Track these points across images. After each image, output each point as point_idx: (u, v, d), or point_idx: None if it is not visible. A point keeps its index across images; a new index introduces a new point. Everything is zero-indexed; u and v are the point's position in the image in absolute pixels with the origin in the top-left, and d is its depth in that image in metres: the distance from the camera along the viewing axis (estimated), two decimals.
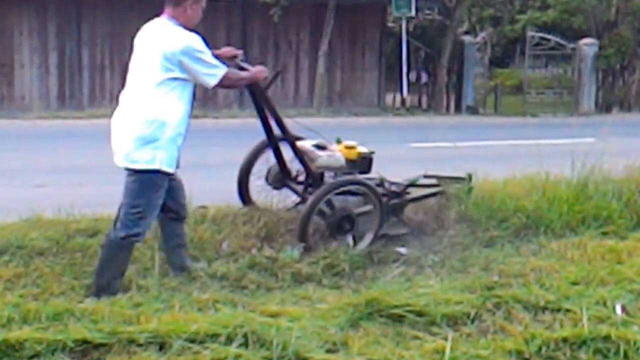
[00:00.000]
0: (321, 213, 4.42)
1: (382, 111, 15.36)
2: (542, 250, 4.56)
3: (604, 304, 3.49)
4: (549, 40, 17.02)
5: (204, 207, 4.90)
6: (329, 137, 4.86)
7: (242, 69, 4.19)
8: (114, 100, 15.08)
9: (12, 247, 4.13)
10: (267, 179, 4.81)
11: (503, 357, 3.02)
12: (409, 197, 4.86)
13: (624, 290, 3.71)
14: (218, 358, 2.87)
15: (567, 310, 3.41)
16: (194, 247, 4.35)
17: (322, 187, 4.46)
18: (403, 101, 15.95)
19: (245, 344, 2.95)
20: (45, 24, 13.86)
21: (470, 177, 5.08)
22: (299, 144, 4.59)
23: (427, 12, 17.21)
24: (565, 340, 3.10)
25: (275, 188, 4.84)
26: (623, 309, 3.45)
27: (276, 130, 4.55)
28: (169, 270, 4.01)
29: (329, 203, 4.42)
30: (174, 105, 3.71)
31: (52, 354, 2.88)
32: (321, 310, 3.44)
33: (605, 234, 4.85)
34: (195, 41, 3.69)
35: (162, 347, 2.95)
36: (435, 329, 3.24)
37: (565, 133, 7.09)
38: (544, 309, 3.46)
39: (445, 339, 3.12)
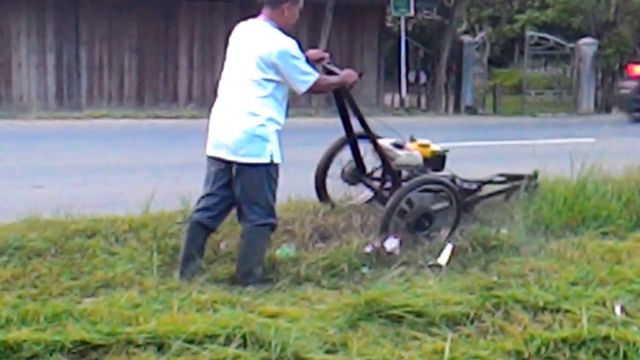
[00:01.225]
0: (401, 210, 4.51)
1: (381, 111, 15.34)
2: (542, 250, 4.56)
3: (604, 304, 3.48)
4: (548, 40, 17.03)
5: None
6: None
7: (329, 72, 4.32)
8: (112, 101, 15.07)
9: (10, 247, 4.11)
10: (342, 175, 4.91)
11: (502, 358, 3.02)
12: (480, 194, 5.03)
13: (624, 290, 3.70)
14: (217, 359, 2.87)
15: (567, 311, 3.40)
16: None
17: (404, 185, 4.58)
18: (402, 101, 15.95)
19: (244, 345, 2.94)
20: (43, 24, 13.85)
21: (536, 174, 5.24)
22: (380, 142, 4.74)
23: (426, 12, 17.22)
24: (564, 340, 3.09)
25: (350, 184, 4.97)
26: (622, 309, 3.45)
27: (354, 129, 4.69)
28: (180, 278, 3.97)
29: (408, 200, 4.52)
30: (275, 103, 3.88)
31: (51, 354, 2.87)
32: (320, 310, 3.43)
33: (604, 234, 4.85)
34: (291, 46, 3.82)
35: (160, 347, 2.94)
36: (434, 330, 3.24)
37: (564, 133, 7.10)
38: (544, 309, 3.45)
39: (445, 339, 3.11)
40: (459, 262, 4.34)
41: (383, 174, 4.87)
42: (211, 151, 4.02)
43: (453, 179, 4.89)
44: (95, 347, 2.94)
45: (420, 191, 4.60)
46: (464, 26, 20.22)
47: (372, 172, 4.92)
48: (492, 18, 22.01)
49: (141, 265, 4.03)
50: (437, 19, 17.44)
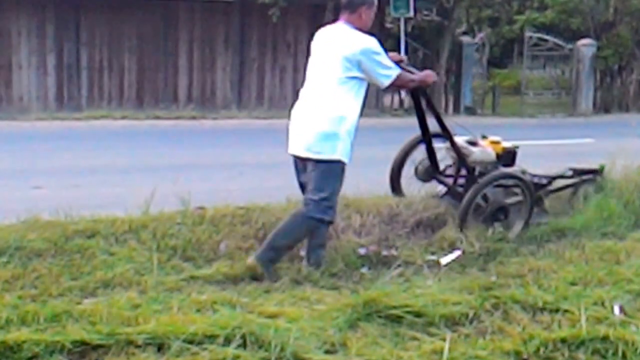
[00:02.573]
0: (477, 205, 4.72)
1: (380, 112, 15.36)
2: (540, 250, 4.57)
3: (602, 304, 3.49)
4: (547, 40, 17.04)
5: (202, 208, 4.90)
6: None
7: (408, 72, 4.45)
8: (112, 102, 15.06)
9: (10, 248, 4.11)
10: (416, 173, 5.12)
11: (501, 358, 3.02)
12: (550, 188, 5.23)
13: (622, 290, 3.71)
14: (216, 359, 2.87)
15: (566, 311, 3.41)
16: (191, 248, 4.35)
17: (480, 180, 4.79)
18: (401, 102, 15.96)
19: (243, 345, 2.94)
20: (43, 25, 13.85)
21: (602, 168, 5.42)
22: (457, 140, 4.93)
23: (425, 13, 17.22)
24: (563, 340, 3.09)
25: (423, 181, 5.16)
26: (621, 309, 3.46)
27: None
28: (307, 263, 4.15)
29: (483, 195, 4.74)
30: (352, 102, 4.04)
31: (50, 355, 2.87)
32: (319, 311, 3.43)
33: (604, 234, 4.86)
34: (373, 43, 4.05)
35: (160, 348, 2.94)
36: (433, 330, 3.24)
37: (563, 133, 7.12)
38: (542, 309, 3.46)
39: (444, 339, 3.11)
40: (458, 262, 4.35)
41: (457, 171, 5.08)
42: (290, 150, 4.25)
43: (524, 173, 5.07)
44: (95, 348, 2.94)
45: (495, 186, 4.81)
46: (463, 27, 20.21)
47: (445, 170, 5.12)
48: (492, 19, 22.00)
49: (141, 265, 4.03)
50: (436, 19, 17.44)
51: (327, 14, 14.62)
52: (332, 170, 4.05)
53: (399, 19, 15.71)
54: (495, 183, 4.82)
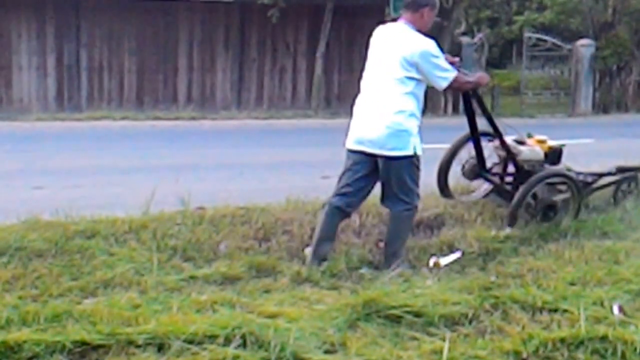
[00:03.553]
0: (526, 203, 4.86)
1: None
2: (540, 250, 4.57)
3: (602, 304, 3.50)
4: (546, 41, 17.04)
5: (201, 208, 4.91)
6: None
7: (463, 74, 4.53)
8: (113, 102, 15.03)
9: (10, 248, 4.11)
10: (462, 172, 5.23)
11: (501, 358, 3.02)
12: (595, 185, 5.34)
13: (622, 290, 3.72)
14: (216, 359, 2.87)
15: (565, 311, 3.41)
16: (191, 248, 4.35)
17: (531, 179, 4.90)
18: None
19: (243, 345, 2.95)
20: (43, 26, 13.85)
21: None
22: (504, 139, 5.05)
23: None
24: (562, 340, 3.10)
25: (469, 179, 5.29)
26: (620, 309, 3.46)
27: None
28: (312, 259, 4.21)
29: (533, 193, 4.86)
30: (415, 100, 4.15)
31: (51, 355, 2.88)
32: (319, 311, 3.44)
33: (603, 234, 4.87)
34: (432, 46, 4.13)
35: (160, 348, 2.95)
36: (433, 330, 3.25)
37: (562, 134, 7.12)
38: (542, 309, 3.46)
39: (443, 339, 3.12)
40: (457, 262, 4.35)
41: (504, 169, 5.20)
42: (353, 146, 4.28)
43: (569, 171, 5.19)
44: (96, 348, 2.94)
45: (544, 184, 4.93)
46: (463, 27, 20.21)
47: (492, 168, 5.22)
48: (491, 19, 22.01)
49: (141, 266, 4.03)
50: (435, 20, 17.44)
51: (327, 14, 14.65)
52: (410, 164, 4.17)
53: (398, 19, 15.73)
54: (546, 181, 4.93)
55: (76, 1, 13.85)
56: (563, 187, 5.03)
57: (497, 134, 4.99)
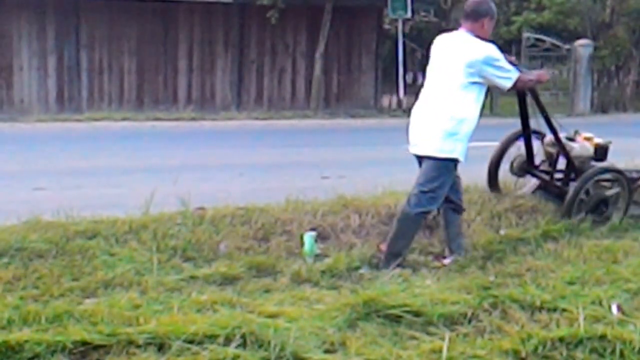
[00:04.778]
0: (579, 199, 5.00)
1: (379, 113, 15.39)
2: (539, 249, 4.59)
3: (600, 303, 3.51)
4: (544, 41, 17.06)
5: (202, 208, 4.92)
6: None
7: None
8: (113, 103, 15.08)
9: (11, 249, 4.12)
10: (511, 169, 5.36)
11: (500, 357, 3.03)
12: None
13: (620, 289, 3.73)
14: (217, 359, 2.88)
15: (564, 310, 3.42)
16: (191, 248, 4.36)
17: (584, 174, 5.04)
18: (399, 103, 15.97)
19: (243, 345, 2.96)
20: (44, 27, 13.86)
21: None
22: (552, 137, 5.18)
23: (423, 14, 17.26)
24: (561, 339, 3.11)
25: (518, 176, 5.43)
26: (619, 308, 3.47)
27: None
28: (450, 253, 4.40)
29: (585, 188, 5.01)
30: (473, 105, 4.28)
31: (52, 355, 2.89)
32: (319, 310, 3.45)
33: (602, 233, 4.88)
34: (493, 51, 4.30)
35: (161, 348, 2.96)
36: (432, 329, 3.26)
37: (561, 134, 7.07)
38: (540, 308, 3.47)
39: (443, 339, 3.13)
40: (456, 262, 4.37)
41: (554, 166, 5.32)
42: (412, 149, 4.44)
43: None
44: (96, 348, 2.95)
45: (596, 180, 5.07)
46: None
47: (540, 165, 5.35)
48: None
49: (141, 266, 4.04)
50: (434, 21, 17.48)
51: (326, 15, 14.67)
52: (446, 167, 4.28)
53: (397, 20, 15.74)
54: (598, 177, 5.05)
55: (76, 2, 13.86)
56: (612, 183, 5.14)
57: (552, 130, 5.09)
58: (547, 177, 5.34)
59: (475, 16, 4.35)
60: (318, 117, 14.11)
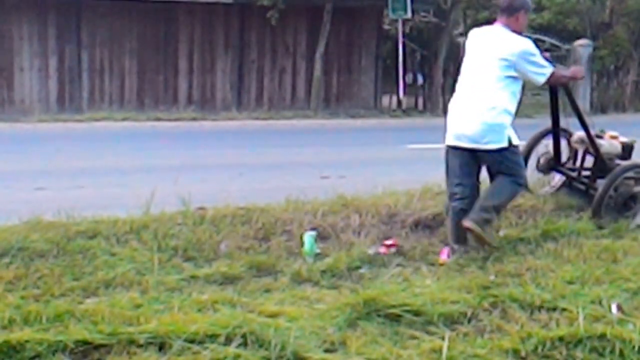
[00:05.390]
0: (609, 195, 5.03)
1: (379, 113, 15.40)
2: (539, 249, 4.59)
3: (600, 302, 3.52)
4: (543, 41, 17.03)
5: (202, 208, 4.93)
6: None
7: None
8: (114, 104, 15.11)
9: (12, 249, 4.13)
10: (537, 166, 5.39)
11: (500, 356, 3.04)
12: None
13: (620, 289, 3.74)
14: (217, 358, 2.89)
15: (563, 309, 3.44)
16: (192, 248, 4.37)
17: (614, 171, 5.09)
18: (399, 103, 15.99)
19: (244, 344, 2.97)
20: (45, 27, 13.87)
21: None
22: (580, 134, 5.25)
23: (423, 14, 17.24)
24: (561, 339, 3.12)
25: (543, 173, 5.47)
26: (619, 307, 3.48)
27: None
28: (453, 243, 4.45)
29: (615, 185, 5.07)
30: (511, 97, 4.38)
31: (53, 354, 2.90)
32: (319, 310, 3.46)
33: (602, 233, 4.89)
34: (529, 45, 4.36)
35: (161, 347, 2.97)
36: (432, 329, 3.27)
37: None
38: (540, 308, 3.49)
39: (443, 338, 3.14)
40: (456, 261, 4.37)
41: (581, 163, 5.40)
42: (452, 141, 4.48)
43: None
44: (97, 347, 2.96)
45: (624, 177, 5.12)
46: (461, 28, 20.23)
47: (566, 162, 5.43)
48: (489, 20, 21.99)
49: (142, 265, 4.04)
50: (433, 21, 17.46)
51: (326, 15, 14.67)
52: (509, 154, 4.39)
53: (396, 21, 15.75)
54: (627, 174, 5.09)
55: (77, 3, 13.87)
56: (635, 181, 5.17)
57: (584, 127, 5.12)
58: (574, 174, 5.41)
59: (510, 10, 4.41)
60: (318, 117, 14.13)
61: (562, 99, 5.08)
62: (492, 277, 4.01)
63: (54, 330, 3.03)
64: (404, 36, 15.76)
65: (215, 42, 14.78)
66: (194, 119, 13.27)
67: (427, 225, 4.96)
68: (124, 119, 12.80)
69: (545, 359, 3.04)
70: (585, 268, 4.10)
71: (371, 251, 4.46)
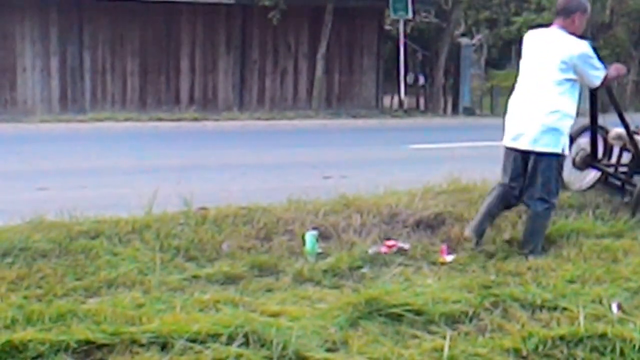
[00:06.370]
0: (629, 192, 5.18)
1: (380, 113, 15.40)
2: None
3: (600, 302, 3.53)
4: None
5: (204, 208, 4.94)
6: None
7: None
8: (116, 104, 15.17)
9: (15, 249, 4.13)
10: (573, 163, 5.47)
11: (501, 356, 3.05)
12: None
13: (620, 288, 3.75)
14: (219, 358, 2.90)
15: (564, 309, 3.44)
16: (194, 248, 4.38)
17: None
18: (401, 103, 15.99)
19: (246, 344, 2.97)
20: (47, 28, 13.90)
21: None
22: (618, 130, 5.34)
23: (424, 14, 17.26)
24: (562, 338, 3.13)
25: (579, 169, 5.55)
26: (619, 307, 3.49)
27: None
28: (471, 232, 4.53)
29: None
30: (570, 100, 4.42)
31: (56, 354, 2.90)
32: (321, 309, 3.46)
33: (602, 233, 4.89)
34: (587, 48, 4.44)
35: (164, 347, 2.98)
36: (433, 328, 3.28)
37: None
38: (541, 307, 3.49)
39: (444, 337, 3.15)
40: (457, 261, 4.38)
41: (617, 160, 5.52)
42: (510, 143, 4.56)
43: None
44: (100, 347, 2.97)
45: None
46: (462, 29, 20.24)
47: (602, 159, 5.54)
48: (489, 20, 22.03)
49: (144, 265, 4.05)
50: (434, 21, 17.48)
51: (327, 15, 14.69)
52: (556, 163, 4.45)
53: (398, 21, 15.76)
54: None
55: (79, 4, 13.89)
56: None
57: (624, 124, 5.16)
58: (611, 170, 5.48)
59: (566, 13, 4.45)
60: (320, 118, 14.13)
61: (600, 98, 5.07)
62: (493, 277, 4.01)
63: (56, 330, 3.04)
64: (405, 36, 15.77)
65: (217, 42, 14.79)
66: (196, 119, 13.29)
67: (428, 224, 4.96)
68: (126, 119, 12.82)
69: (546, 358, 3.05)
70: (585, 267, 4.10)
71: (372, 251, 4.46)
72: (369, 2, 15.50)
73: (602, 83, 4.53)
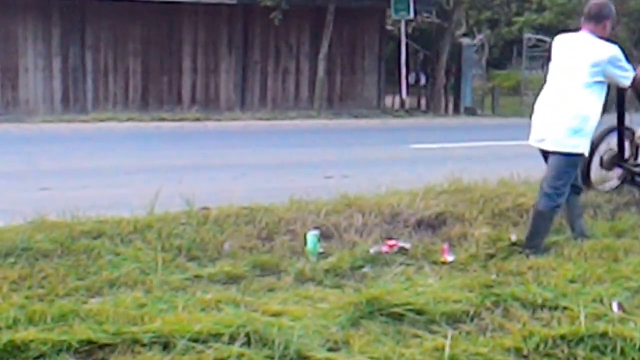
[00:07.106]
0: None
1: (382, 113, 15.41)
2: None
3: (601, 301, 3.52)
4: (545, 41, 17.02)
5: (206, 208, 4.95)
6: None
7: None
8: (118, 104, 15.21)
9: (17, 249, 4.14)
10: (601, 163, 5.61)
11: (502, 355, 3.05)
12: None
13: (621, 287, 3.74)
14: (221, 357, 2.90)
15: (565, 308, 3.44)
16: (196, 247, 4.39)
17: None
18: (402, 103, 16.00)
19: (247, 343, 2.98)
20: (49, 28, 13.92)
21: None
22: None
23: (426, 15, 17.25)
24: (562, 337, 3.13)
25: (607, 169, 5.69)
26: (620, 306, 3.49)
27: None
28: (575, 233, 4.67)
29: None
30: (596, 103, 4.52)
31: (58, 354, 2.91)
32: (323, 309, 3.46)
33: (602, 232, 4.90)
34: (617, 51, 4.53)
35: (166, 346, 2.98)
36: (434, 327, 3.28)
37: None
38: (542, 306, 3.49)
39: (445, 337, 3.15)
40: (458, 260, 4.39)
41: None
42: (534, 143, 4.68)
43: None
44: (102, 347, 2.97)
45: None
46: (463, 29, 20.24)
47: (629, 159, 5.64)
48: (491, 21, 22.03)
49: (146, 265, 4.05)
50: (436, 21, 17.47)
51: (329, 16, 14.69)
52: (573, 162, 4.53)
53: (399, 21, 15.76)
54: None
55: (81, 4, 13.91)
56: None
57: None
58: (638, 170, 5.58)
59: (598, 18, 4.55)
60: (321, 118, 14.14)
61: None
62: (494, 276, 4.02)
63: (58, 330, 3.04)
64: (406, 36, 15.78)
65: (219, 42, 14.81)
66: (198, 119, 13.30)
67: (430, 224, 4.97)
68: (128, 120, 12.84)
69: (547, 358, 3.05)
70: (586, 267, 4.10)
71: (373, 250, 4.47)
72: (370, 2, 15.50)
73: (632, 83, 4.62)
